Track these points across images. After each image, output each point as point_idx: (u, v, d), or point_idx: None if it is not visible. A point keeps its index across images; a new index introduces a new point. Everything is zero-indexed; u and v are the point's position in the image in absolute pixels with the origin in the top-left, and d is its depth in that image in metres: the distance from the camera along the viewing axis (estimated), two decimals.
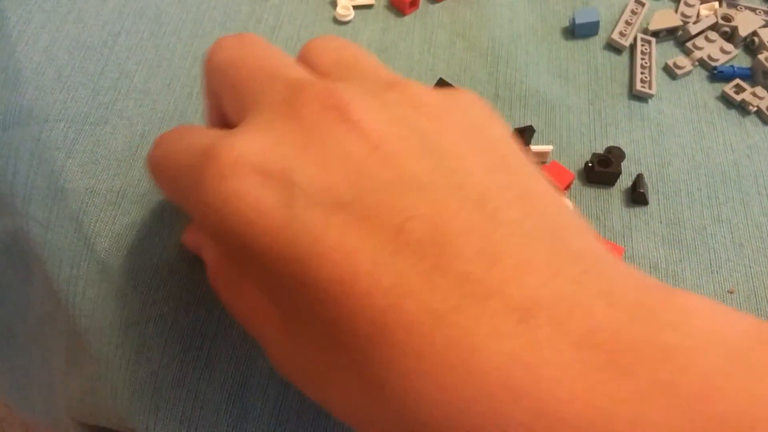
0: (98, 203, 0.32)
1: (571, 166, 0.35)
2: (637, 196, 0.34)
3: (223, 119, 0.23)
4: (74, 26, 0.38)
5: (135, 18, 0.39)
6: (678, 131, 0.38)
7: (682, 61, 0.39)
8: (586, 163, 0.35)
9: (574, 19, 0.40)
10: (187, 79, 0.37)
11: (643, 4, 0.41)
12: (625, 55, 0.40)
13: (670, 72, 0.40)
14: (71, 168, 0.33)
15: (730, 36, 0.41)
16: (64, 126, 0.34)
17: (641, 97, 0.39)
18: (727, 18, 0.41)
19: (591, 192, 0.35)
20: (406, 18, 0.41)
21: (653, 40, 0.40)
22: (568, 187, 0.35)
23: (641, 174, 0.35)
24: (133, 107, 0.36)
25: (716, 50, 0.40)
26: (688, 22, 0.41)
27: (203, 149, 0.18)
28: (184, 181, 0.19)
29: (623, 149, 0.36)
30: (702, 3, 0.42)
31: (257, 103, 0.19)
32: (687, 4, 0.41)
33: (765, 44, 0.40)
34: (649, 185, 0.35)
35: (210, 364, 0.28)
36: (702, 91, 0.40)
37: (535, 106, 0.38)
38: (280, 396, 0.27)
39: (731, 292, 0.32)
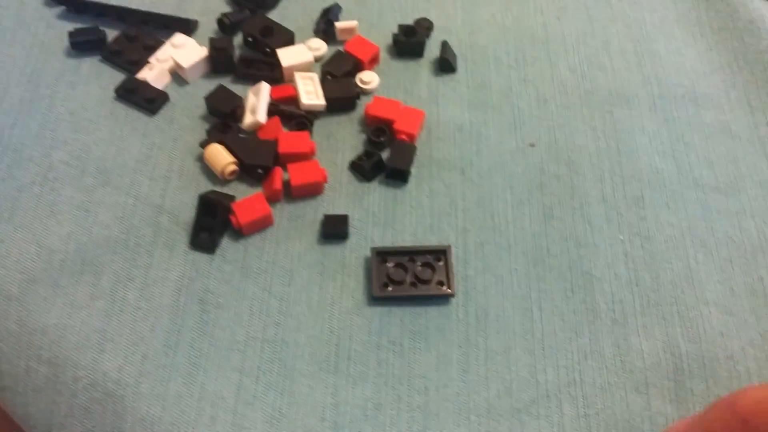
0: None
1: (381, 41, 0.35)
2: (442, 63, 0.34)
3: None
4: None
5: None
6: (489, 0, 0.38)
7: None
8: (393, 35, 0.35)
9: None
10: None
11: None
12: None
13: None
14: None
15: None
16: None
17: None
18: None
19: (400, 64, 0.35)
20: None
21: None
22: (374, 61, 0.34)
23: (445, 41, 0.35)
24: None
25: None
26: None
27: None
28: None
29: (433, 21, 0.36)
30: None
31: None
32: None
33: None
34: (458, 54, 0.35)
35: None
36: None
37: None
38: (70, 286, 0.27)
39: (532, 146, 0.33)
